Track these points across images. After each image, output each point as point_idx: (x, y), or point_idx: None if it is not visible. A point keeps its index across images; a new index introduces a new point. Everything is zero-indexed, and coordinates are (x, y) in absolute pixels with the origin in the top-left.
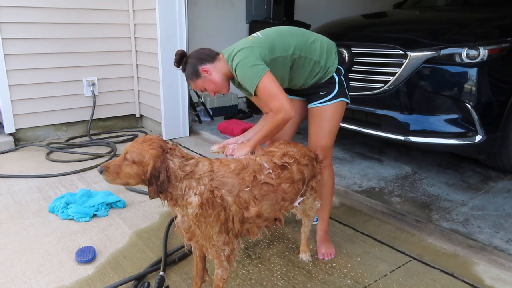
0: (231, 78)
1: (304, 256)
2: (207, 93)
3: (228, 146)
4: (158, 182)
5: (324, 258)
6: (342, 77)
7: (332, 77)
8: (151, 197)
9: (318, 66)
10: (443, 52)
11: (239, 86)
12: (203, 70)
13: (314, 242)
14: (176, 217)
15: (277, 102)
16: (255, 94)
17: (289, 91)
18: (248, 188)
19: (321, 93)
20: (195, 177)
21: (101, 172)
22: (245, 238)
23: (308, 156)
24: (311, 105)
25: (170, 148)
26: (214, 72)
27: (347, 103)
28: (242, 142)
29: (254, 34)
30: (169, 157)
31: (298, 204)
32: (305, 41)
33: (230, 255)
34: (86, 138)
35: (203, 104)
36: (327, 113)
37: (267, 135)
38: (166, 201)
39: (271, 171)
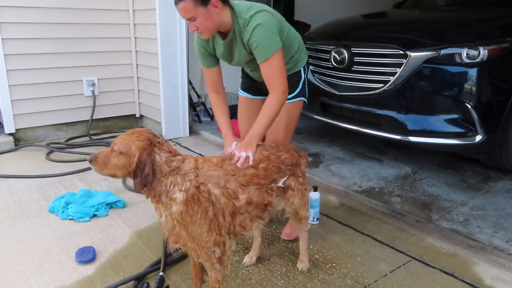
0: (220, 31)
1: (301, 265)
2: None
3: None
4: (142, 175)
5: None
6: (306, 76)
7: (299, 72)
8: (136, 190)
9: (292, 59)
10: (443, 52)
11: (223, 49)
12: (214, 3)
13: (314, 242)
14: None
15: (284, 81)
16: (256, 62)
17: (251, 90)
18: (235, 176)
19: None
20: (181, 173)
21: (90, 161)
22: (243, 238)
23: (280, 145)
24: None
25: (159, 142)
26: (220, 12)
27: (305, 102)
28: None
29: (259, 4)
30: (156, 151)
31: (283, 183)
32: (293, 32)
33: (222, 256)
34: (86, 138)
35: (203, 104)
36: (284, 110)
37: (273, 118)
38: (150, 198)
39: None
